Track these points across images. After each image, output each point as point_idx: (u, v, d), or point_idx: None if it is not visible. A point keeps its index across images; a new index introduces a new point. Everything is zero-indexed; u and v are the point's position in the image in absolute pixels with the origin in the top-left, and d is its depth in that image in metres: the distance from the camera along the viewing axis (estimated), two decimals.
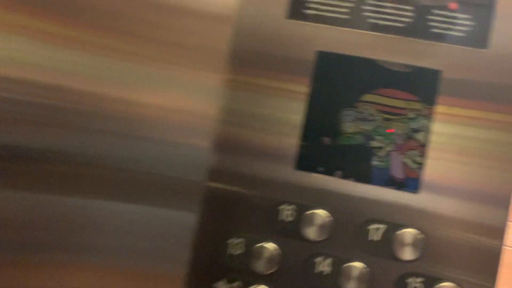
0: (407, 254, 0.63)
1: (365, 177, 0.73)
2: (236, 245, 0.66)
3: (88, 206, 0.60)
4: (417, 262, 0.62)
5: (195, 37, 0.66)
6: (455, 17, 0.63)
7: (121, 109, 0.62)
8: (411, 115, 0.74)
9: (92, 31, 0.59)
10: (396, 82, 0.75)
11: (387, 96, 0.75)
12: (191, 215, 0.66)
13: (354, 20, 0.65)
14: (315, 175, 0.66)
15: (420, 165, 0.72)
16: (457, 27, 0.63)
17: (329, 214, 0.64)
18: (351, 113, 0.74)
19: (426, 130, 0.71)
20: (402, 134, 0.73)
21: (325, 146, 0.66)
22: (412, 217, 0.63)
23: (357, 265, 0.63)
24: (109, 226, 0.62)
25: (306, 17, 0.66)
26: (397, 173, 0.73)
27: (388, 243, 0.63)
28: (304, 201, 0.65)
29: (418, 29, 0.64)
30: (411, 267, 0.63)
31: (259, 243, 0.66)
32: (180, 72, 0.65)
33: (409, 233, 0.63)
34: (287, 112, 0.66)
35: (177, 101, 0.65)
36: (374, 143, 0.72)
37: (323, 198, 0.65)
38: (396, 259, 0.63)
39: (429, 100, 0.71)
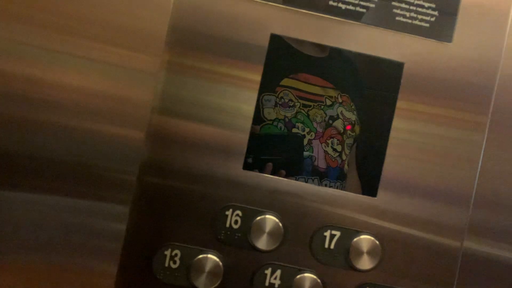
0: (364, 263, 0.57)
1: (295, 169, 0.67)
2: (171, 256, 0.57)
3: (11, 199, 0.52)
4: (374, 271, 0.57)
5: (127, 16, 0.54)
6: (420, 6, 0.58)
7: (44, 92, 0.50)
8: (328, 102, 0.69)
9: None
10: (312, 67, 0.70)
11: (304, 82, 0.69)
12: (124, 209, 0.55)
13: (312, 2, 0.58)
14: (263, 174, 0.58)
15: (340, 153, 0.68)
16: (422, 17, 0.58)
17: (279, 220, 0.57)
18: (271, 98, 0.67)
19: (343, 118, 0.67)
20: (320, 121, 0.68)
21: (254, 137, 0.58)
22: (370, 221, 0.58)
23: (310, 276, 0.57)
24: (36, 221, 0.54)
25: None
26: (320, 162, 0.68)
27: (343, 252, 0.57)
28: (252, 204, 0.57)
29: (381, 17, 0.58)
30: (368, 276, 0.58)
31: (199, 254, 0.56)
32: (111, 54, 0.54)
33: (366, 240, 0.57)
34: (236, 101, 0.57)
35: (108, 86, 0.54)
36: (295, 130, 0.66)
37: (272, 201, 0.57)
38: (352, 268, 0.57)
39: (344, 87, 0.66)
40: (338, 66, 0.73)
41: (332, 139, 0.69)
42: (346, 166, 0.70)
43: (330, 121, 0.69)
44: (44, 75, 0.54)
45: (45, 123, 0.54)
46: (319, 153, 0.69)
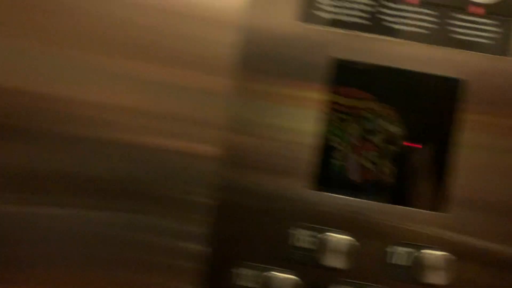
0: (438, 279, 0.57)
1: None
2: (247, 275, 0.58)
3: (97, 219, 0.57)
4: None
5: (201, 43, 0.58)
6: (478, 23, 0.60)
7: (125, 118, 0.55)
8: (366, 114, 0.69)
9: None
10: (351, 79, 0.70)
11: (342, 95, 0.70)
12: (200, 230, 0.58)
13: (372, 26, 0.60)
14: (333, 195, 0.59)
15: (376, 166, 0.67)
16: (481, 34, 0.59)
17: (351, 238, 0.58)
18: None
19: (383, 131, 0.67)
20: (357, 135, 0.68)
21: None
22: (443, 237, 0.58)
23: None
24: (115, 240, 0.58)
25: (319, 21, 0.60)
26: (354, 175, 0.67)
27: (417, 268, 0.57)
28: (322, 223, 0.58)
29: (440, 35, 0.60)
30: None
31: (273, 272, 0.58)
32: (184, 77, 0.58)
33: (440, 256, 0.57)
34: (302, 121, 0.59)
35: (183, 108, 0.58)
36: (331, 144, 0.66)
37: (343, 219, 0.58)
38: (427, 285, 0.57)
39: (387, 99, 0.66)
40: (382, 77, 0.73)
41: (370, 151, 0.68)
42: (390, 180, 0.69)
43: (368, 135, 0.69)
44: (121, 101, 0.58)
45: (127, 145, 0.58)
46: (354, 165, 0.68)
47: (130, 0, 0.59)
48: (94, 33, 0.58)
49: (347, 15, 0.60)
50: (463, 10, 0.60)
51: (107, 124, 0.58)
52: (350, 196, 0.60)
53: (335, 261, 0.58)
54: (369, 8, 0.60)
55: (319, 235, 0.58)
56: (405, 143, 0.66)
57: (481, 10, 0.60)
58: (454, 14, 0.60)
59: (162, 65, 0.59)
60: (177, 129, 0.58)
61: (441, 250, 0.58)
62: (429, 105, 0.61)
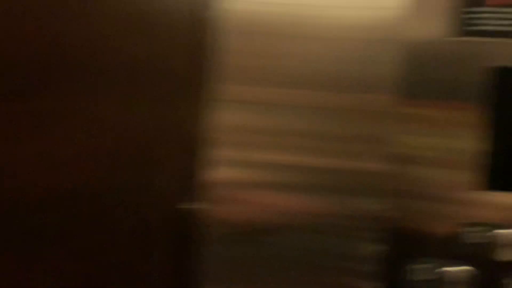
0: None
1: None
2: (422, 270, 0.64)
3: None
4: None
5: (360, 63, 0.64)
6: None
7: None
8: None
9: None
10: None
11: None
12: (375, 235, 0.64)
13: None
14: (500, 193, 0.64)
15: None
16: None
17: None
18: None
19: None
20: None
21: None
22: None
23: None
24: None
25: (479, 33, 0.64)
26: None
27: None
28: (491, 220, 0.63)
29: None
30: None
31: (446, 267, 0.63)
32: (348, 100, 0.64)
33: None
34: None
35: (349, 128, 0.64)
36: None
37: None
38: None
39: None
40: None
41: None
42: None
43: None
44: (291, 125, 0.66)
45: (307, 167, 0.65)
46: None
47: (303, 35, 0.66)
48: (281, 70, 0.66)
49: (502, 25, 0.64)
50: None
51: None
52: None
53: (507, 255, 0.62)
54: None
55: (491, 232, 0.63)
56: None
57: None
58: None
59: (328, 90, 0.65)
60: (350, 148, 0.65)
61: None
62: None
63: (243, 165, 0.65)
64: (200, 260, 0.65)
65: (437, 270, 0.63)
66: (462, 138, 0.63)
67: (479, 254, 0.63)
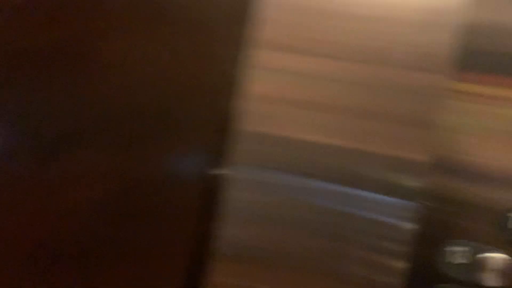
0: None
1: None
2: (458, 254, 0.61)
3: None
4: None
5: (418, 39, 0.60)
6: None
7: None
8: None
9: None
10: None
11: None
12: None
13: None
14: None
15: None
16: None
17: None
18: None
19: None
20: None
21: None
22: None
23: None
24: None
25: None
26: None
27: None
28: None
29: None
30: None
31: (485, 252, 0.61)
32: (404, 77, 0.61)
33: None
34: None
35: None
36: None
37: None
38: None
39: None
40: None
41: None
42: None
43: None
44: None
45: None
46: None
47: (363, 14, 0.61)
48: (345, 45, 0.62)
49: None
50: None
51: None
52: None
53: None
54: None
55: None
56: None
57: None
58: None
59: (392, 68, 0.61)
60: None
61: None
62: None
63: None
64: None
65: (477, 256, 0.61)
66: None
67: None
